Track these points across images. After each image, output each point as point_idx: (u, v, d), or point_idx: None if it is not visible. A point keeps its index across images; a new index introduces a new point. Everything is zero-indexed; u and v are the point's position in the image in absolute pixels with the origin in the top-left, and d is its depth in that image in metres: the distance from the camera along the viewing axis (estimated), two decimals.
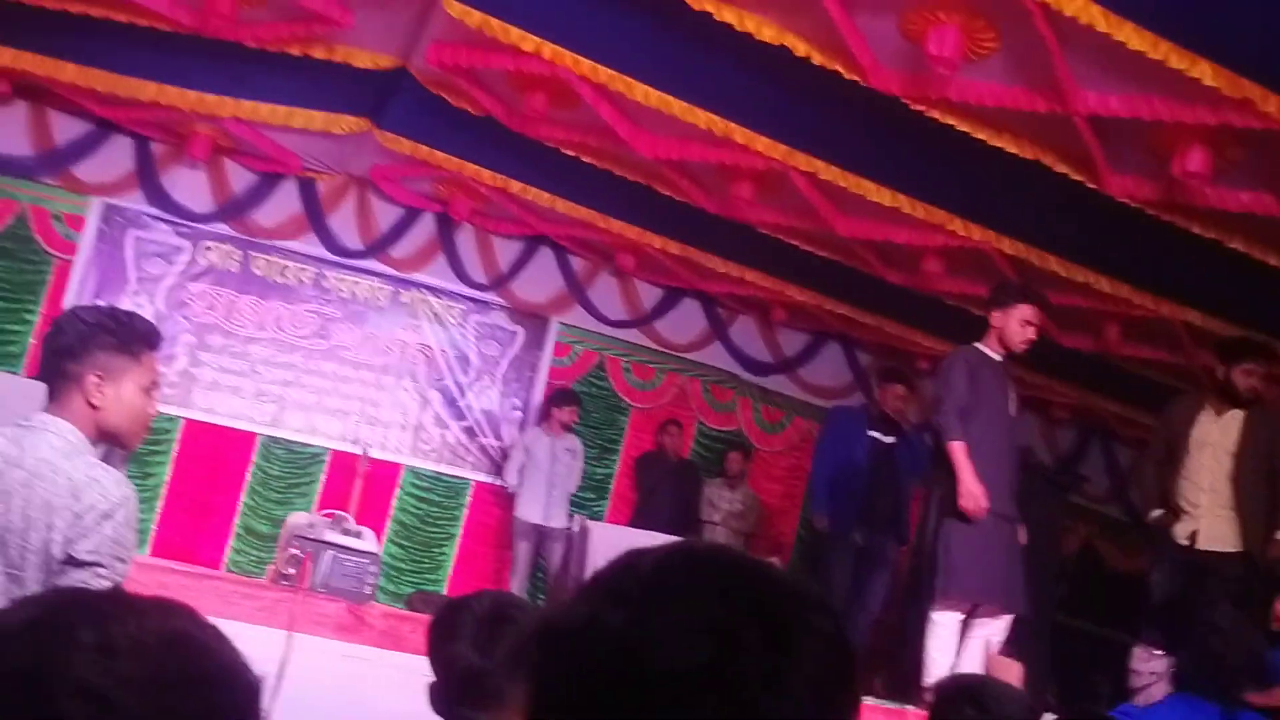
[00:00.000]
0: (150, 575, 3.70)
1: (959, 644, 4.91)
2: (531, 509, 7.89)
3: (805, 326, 9.18)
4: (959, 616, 4.89)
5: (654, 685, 0.72)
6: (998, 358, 5.11)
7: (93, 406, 2.30)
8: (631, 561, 0.81)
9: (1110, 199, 5.54)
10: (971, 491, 4.76)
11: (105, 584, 2.17)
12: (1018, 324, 5.09)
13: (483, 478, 8.54)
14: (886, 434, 7.22)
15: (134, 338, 2.35)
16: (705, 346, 9.12)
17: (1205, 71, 4.37)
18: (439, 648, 2.05)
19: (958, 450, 4.83)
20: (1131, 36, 4.31)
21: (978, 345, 5.16)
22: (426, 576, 8.35)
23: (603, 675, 0.74)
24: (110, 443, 2.38)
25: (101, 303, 7.34)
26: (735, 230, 7.18)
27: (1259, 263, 5.86)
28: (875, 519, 6.89)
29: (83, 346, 2.31)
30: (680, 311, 9.03)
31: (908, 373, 7.87)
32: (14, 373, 7.30)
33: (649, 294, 8.96)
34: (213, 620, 1.05)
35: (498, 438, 8.57)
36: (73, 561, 2.16)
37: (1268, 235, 5.74)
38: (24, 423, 2.29)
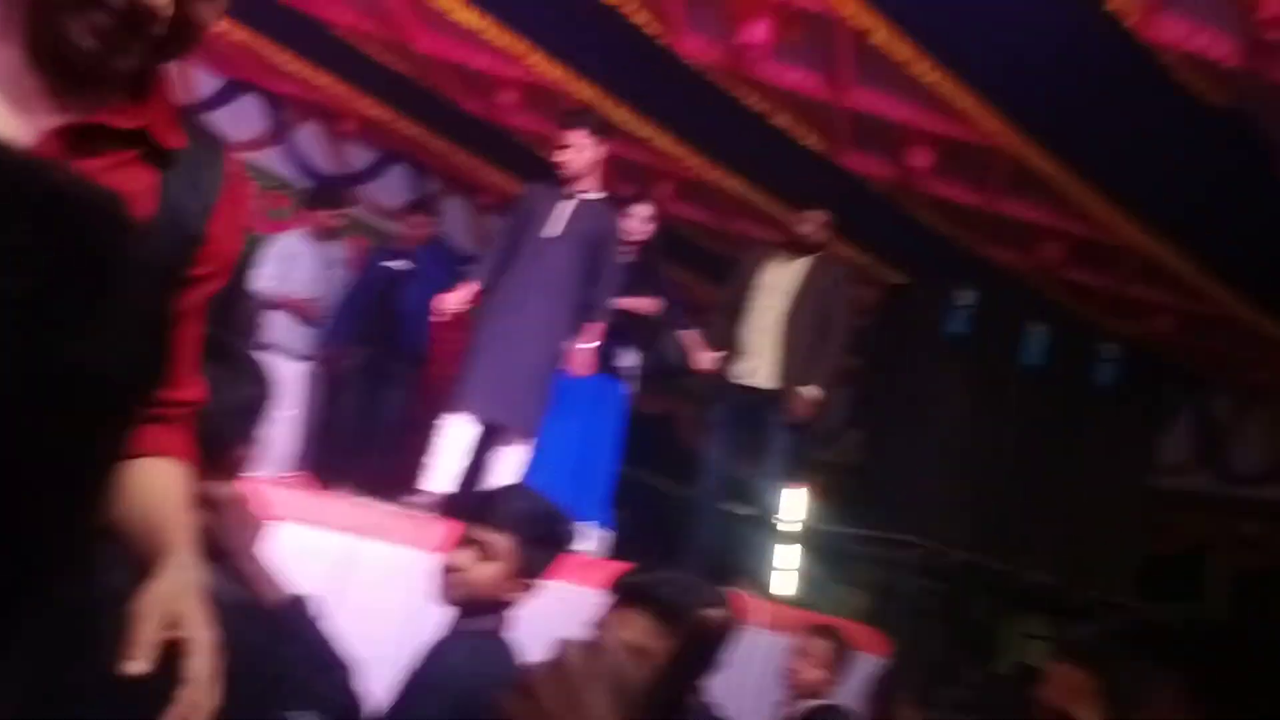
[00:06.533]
0: None
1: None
2: None
3: (375, 144, 8.89)
4: (466, 426, 4.84)
5: None
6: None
7: None
8: None
9: (680, 60, 5.77)
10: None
11: None
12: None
13: None
14: (400, 261, 7.21)
15: None
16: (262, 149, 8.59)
17: None
18: None
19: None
20: None
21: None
22: None
23: None
24: None
25: None
26: (308, 26, 6.74)
27: (796, 141, 6.39)
28: (371, 340, 6.90)
29: None
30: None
31: (430, 203, 7.85)
32: None
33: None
34: None
35: None
36: None
37: (810, 116, 6.26)
38: None
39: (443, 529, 4.01)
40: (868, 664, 4.38)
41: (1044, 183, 6.32)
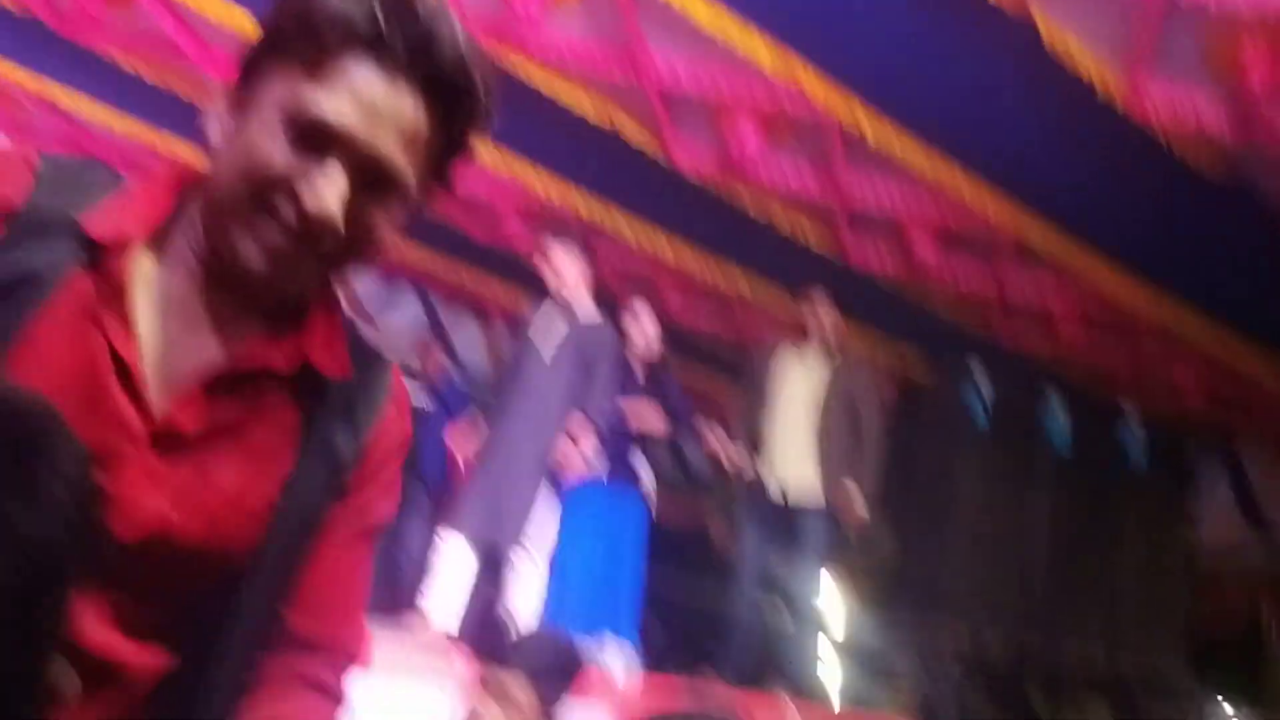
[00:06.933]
0: None
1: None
2: None
3: (382, 272, 8.97)
4: (461, 545, 4.83)
5: None
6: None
7: None
8: None
9: (674, 169, 5.82)
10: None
11: None
12: None
13: None
14: (421, 390, 7.25)
15: None
16: None
17: (761, 50, 4.68)
18: None
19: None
20: (700, 8, 4.54)
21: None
22: None
23: None
24: None
25: None
26: None
27: (798, 240, 6.41)
28: None
29: None
30: None
31: (443, 334, 7.92)
32: None
33: None
34: None
35: None
36: None
37: (811, 215, 6.28)
38: None
39: (453, 657, 3.95)
40: None
41: (1054, 261, 6.27)
